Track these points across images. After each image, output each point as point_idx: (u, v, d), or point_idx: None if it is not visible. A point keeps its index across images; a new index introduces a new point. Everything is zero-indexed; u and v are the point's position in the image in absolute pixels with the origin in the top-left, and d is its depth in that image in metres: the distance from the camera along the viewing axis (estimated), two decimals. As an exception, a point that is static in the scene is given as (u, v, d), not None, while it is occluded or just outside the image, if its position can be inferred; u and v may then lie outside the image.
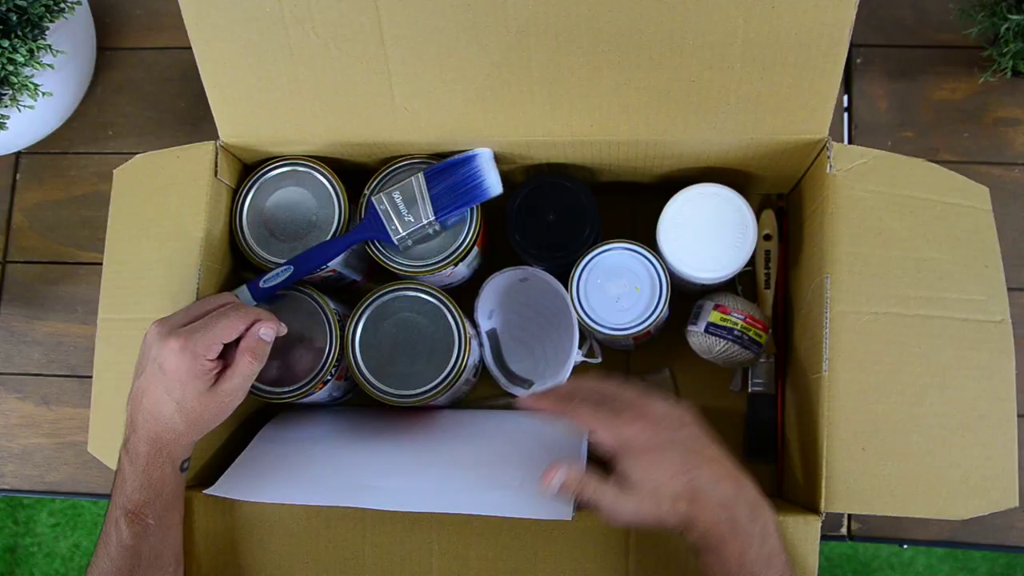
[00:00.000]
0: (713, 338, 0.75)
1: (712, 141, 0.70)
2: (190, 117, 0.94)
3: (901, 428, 0.64)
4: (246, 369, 0.63)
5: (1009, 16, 0.75)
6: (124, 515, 0.61)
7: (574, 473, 0.60)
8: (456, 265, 0.74)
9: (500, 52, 0.66)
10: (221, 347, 0.63)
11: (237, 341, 0.64)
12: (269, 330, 0.65)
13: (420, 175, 0.72)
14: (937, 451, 0.64)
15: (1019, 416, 0.65)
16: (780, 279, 0.80)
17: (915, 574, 1.53)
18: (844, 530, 0.81)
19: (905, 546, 0.88)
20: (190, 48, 0.69)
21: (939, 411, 0.64)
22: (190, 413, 0.62)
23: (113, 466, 0.69)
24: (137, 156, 0.74)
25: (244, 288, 0.71)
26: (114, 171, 0.75)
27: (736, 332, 0.74)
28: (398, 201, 0.72)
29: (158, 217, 0.73)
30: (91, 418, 0.73)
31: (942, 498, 0.64)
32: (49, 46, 0.81)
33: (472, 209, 0.73)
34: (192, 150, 0.73)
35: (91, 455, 0.72)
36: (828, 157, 0.67)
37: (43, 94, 0.83)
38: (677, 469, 0.57)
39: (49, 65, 0.82)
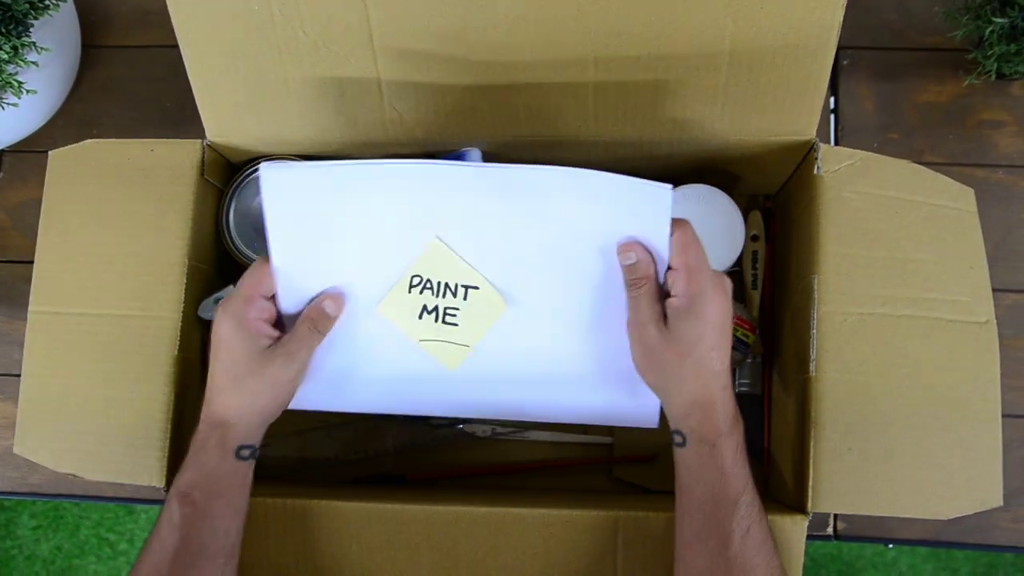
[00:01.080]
0: (701, 339, 0.75)
1: (700, 142, 0.70)
2: (176, 116, 0.93)
3: (887, 428, 0.65)
4: (304, 336, 0.61)
5: (994, 19, 0.76)
6: (176, 495, 0.59)
7: (650, 268, 0.61)
8: (444, 265, 0.73)
9: (489, 52, 0.66)
10: (263, 302, 0.61)
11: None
12: (333, 304, 0.63)
13: (408, 175, 0.71)
14: (923, 451, 0.64)
15: (1004, 416, 0.65)
16: (767, 280, 0.80)
17: (898, 574, 1.54)
18: (830, 530, 0.81)
19: (890, 545, 0.89)
20: (177, 46, 0.68)
21: (925, 411, 0.65)
22: (242, 380, 0.60)
23: (42, 463, 0.68)
24: (86, 142, 0.72)
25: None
26: (50, 153, 0.72)
27: (723, 333, 0.74)
28: (386, 201, 0.71)
29: (126, 211, 0.71)
30: (19, 416, 0.70)
31: (927, 498, 0.64)
32: (33, 43, 0.81)
33: (460, 209, 0.73)
34: (170, 146, 0.71)
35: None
36: (816, 158, 0.67)
37: (27, 92, 0.82)
38: (720, 356, 0.59)
39: (33, 63, 0.81)
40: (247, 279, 0.62)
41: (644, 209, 0.59)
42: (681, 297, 0.59)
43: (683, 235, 0.60)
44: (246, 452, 0.61)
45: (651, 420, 0.66)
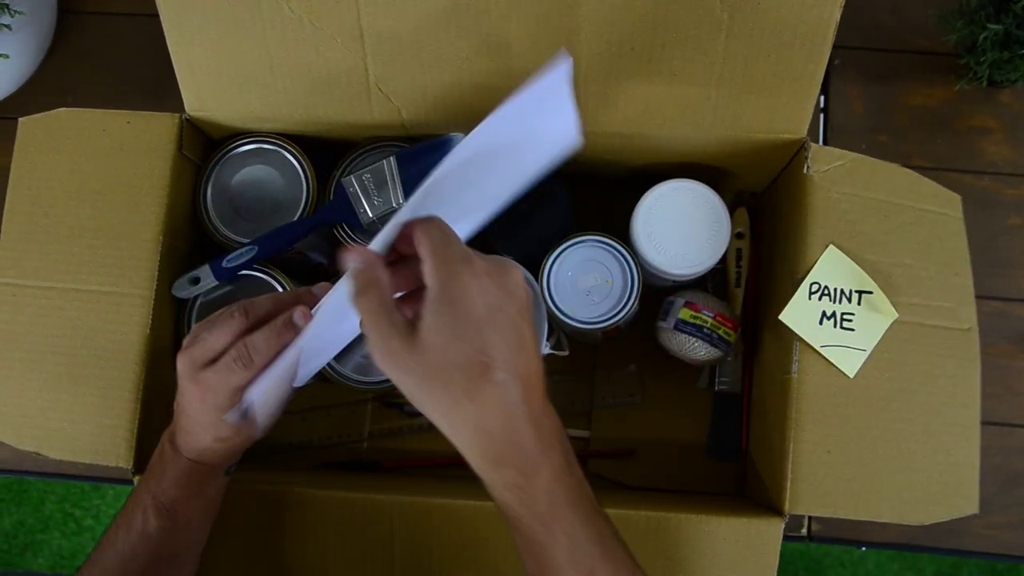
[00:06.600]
0: (682, 335, 0.74)
1: (690, 136, 0.70)
2: (154, 87, 0.90)
3: (867, 432, 0.64)
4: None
5: (988, 25, 0.75)
6: (154, 506, 0.58)
7: (375, 270, 0.47)
8: (426, 252, 0.72)
9: (480, 36, 0.64)
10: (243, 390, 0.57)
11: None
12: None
13: (392, 158, 0.70)
14: (901, 456, 0.64)
15: (981, 423, 0.65)
16: (751, 278, 0.80)
17: (865, 572, 1.56)
18: (804, 531, 0.81)
19: (863, 548, 0.89)
20: (157, 15, 0.66)
21: (905, 416, 0.65)
22: (214, 430, 0.57)
23: (4, 439, 0.67)
24: (59, 110, 0.70)
25: (207, 267, 0.69)
26: (20, 119, 0.70)
27: (706, 330, 0.74)
28: (368, 184, 0.70)
29: (99, 183, 0.69)
30: None
31: (904, 503, 0.64)
32: (6, 6, 0.78)
33: (444, 195, 0.71)
34: (147, 118, 0.69)
35: (39, 434, 0.70)
36: (806, 158, 0.67)
37: (-1, 56, 0.80)
38: (502, 357, 0.45)
39: (6, 26, 0.79)
40: (232, 380, 0.55)
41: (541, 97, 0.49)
42: (431, 288, 0.45)
43: (423, 222, 0.47)
44: (232, 468, 0.62)
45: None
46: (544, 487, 0.46)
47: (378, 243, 0.49)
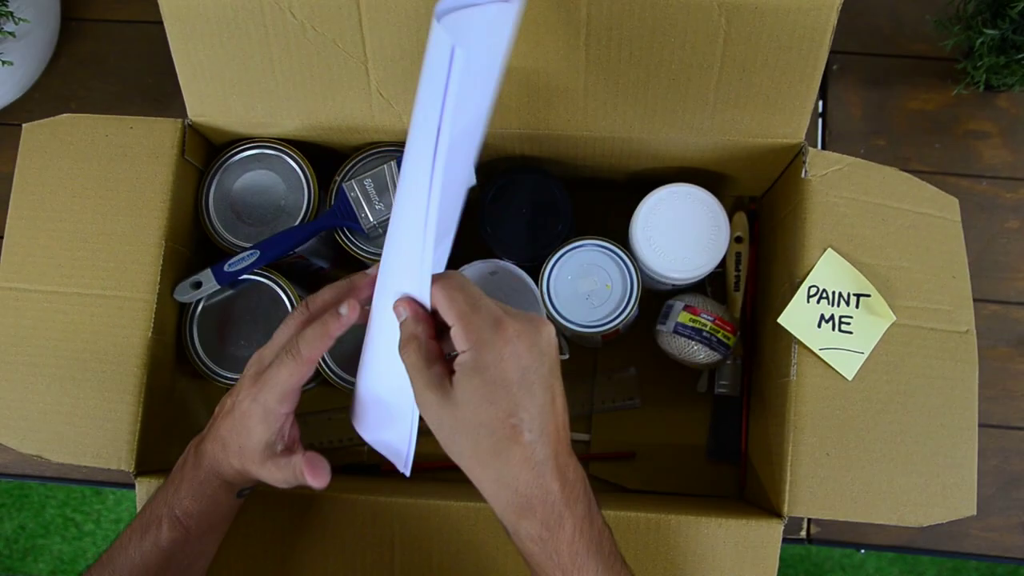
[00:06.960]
0: (682, 339, 0.75)
1: (689, 141, 0.70)
2: (157, 93, 0.91)
3: (866, 434, 0.65)
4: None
5: (985, 30, 0.76)
6: (168, 516, 0.58)
7: (417, 326, 0.50)
8: (426, 256, 0.72)
9: (480, 41, 0.65)
10: (296, 395, 0.57)
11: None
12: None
13: (393, 163, 0.71)
14: (900, 458, 0.65)
15: (979, 426, 0.66)
16: (750, 282, 0.80)
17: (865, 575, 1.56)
18: (803, 533, 0.81)
19: (862, 551, 0.90)
20: (160, 22, 0.67)
21: (903, 419, 0.65)
22: (251, 460, 0.57)
23: (7, 443, 0.67)
24: (62, 116, 0.70)
25: (208, 271, 0.69)
26: (24, 125, 0.71)
27: (705, 333, 0.74)
28: (369, 189, 0.70)
29: (102, 188, 0.69)
30: None
31: (903, 505, 0.64)
32: (11, 13, 0.79)
33: (445, 200, 0.72)
34: (150, 124, 0.70)
35: (42, 438, 0.70)
36: (804, 162, 0.67)
37: (3, 63, 0.80)
38: (530, 421, 0.47)
39: (10, 33, 0.80)
40: (282, 374, 0.55)
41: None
42: (466, 351, 0.48)
43: (444, 283, 0.49)
44: (246, 492, 0.62)
45: None
46: (567, 539, 0.48)
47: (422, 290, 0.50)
